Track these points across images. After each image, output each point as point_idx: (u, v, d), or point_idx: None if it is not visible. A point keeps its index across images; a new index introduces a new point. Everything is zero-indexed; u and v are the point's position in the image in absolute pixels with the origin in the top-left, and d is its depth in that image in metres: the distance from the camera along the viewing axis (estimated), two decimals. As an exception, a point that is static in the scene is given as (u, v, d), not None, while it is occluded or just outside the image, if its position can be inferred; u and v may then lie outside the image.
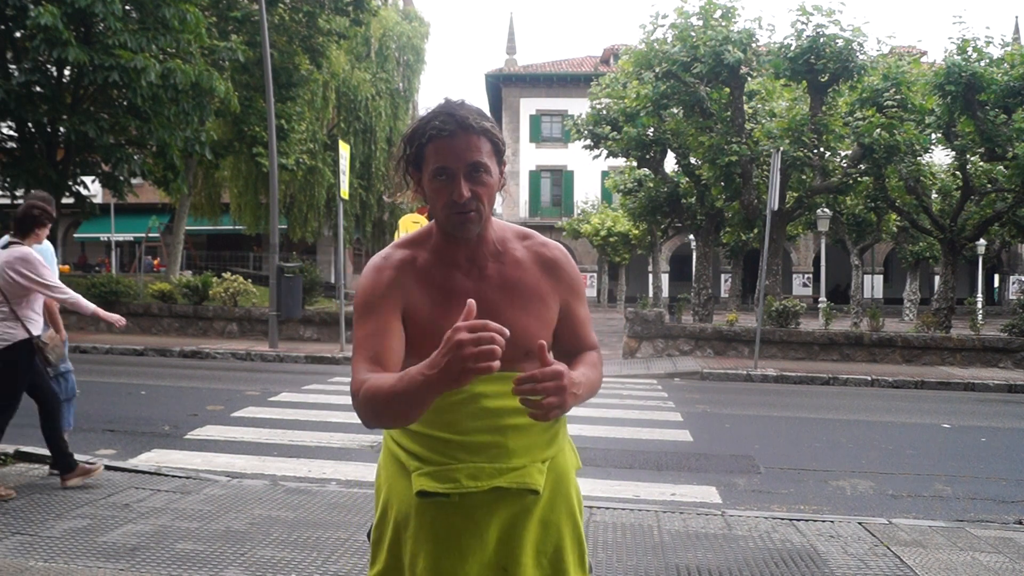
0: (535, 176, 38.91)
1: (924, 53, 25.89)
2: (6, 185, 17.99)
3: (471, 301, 1.35)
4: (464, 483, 1.63)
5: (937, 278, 24.06)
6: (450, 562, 1.66)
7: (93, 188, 20.89)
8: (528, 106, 38.69)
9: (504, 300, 1.68)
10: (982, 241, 25.44)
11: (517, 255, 1.73)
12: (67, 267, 32.22)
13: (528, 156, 38.76)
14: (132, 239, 32.78)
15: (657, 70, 16.03)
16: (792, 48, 15.41)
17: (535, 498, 1.68)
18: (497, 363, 1.31)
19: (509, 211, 37.87)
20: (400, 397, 1.43)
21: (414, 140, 1.64)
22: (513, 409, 1.60)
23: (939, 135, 17.06)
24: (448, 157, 1.59)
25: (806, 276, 37.75)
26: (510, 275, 1.71)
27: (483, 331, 1.29)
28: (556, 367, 1.42)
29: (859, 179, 17.17)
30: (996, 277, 38.62)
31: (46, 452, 5.47)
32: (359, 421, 1.60)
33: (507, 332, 1.32)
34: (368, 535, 1.86)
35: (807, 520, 4.65)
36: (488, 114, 1.68)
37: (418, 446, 1.69)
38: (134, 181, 19.45)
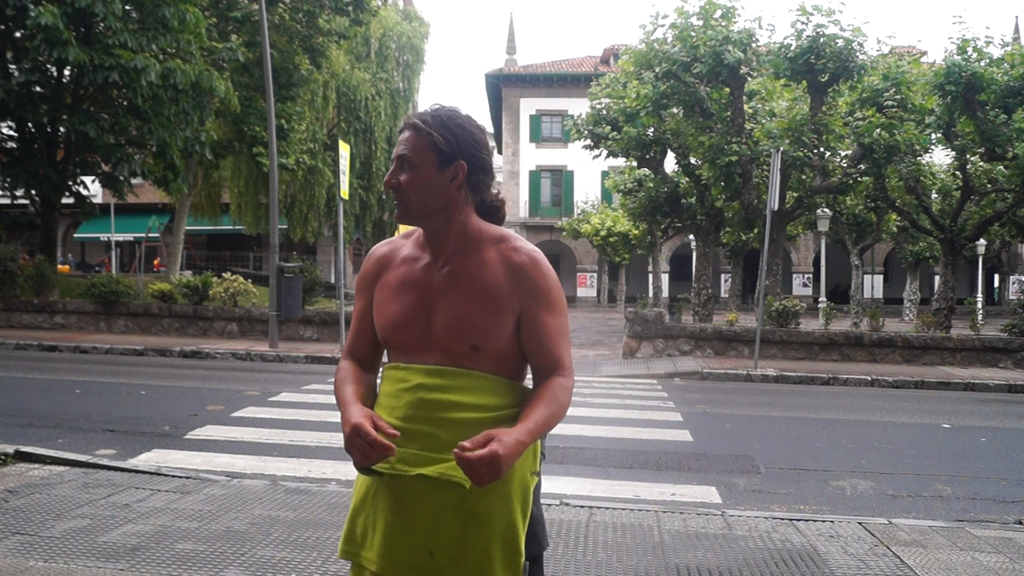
0: (535, 176, 38.91)
1: (924, 53, 25.91)
2: (6, 185, 17.99)
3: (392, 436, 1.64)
4: (395, 465, 1.72)
5: (937, 278, 24.05)
6: (382, 536, 1.77)
7: (93, 188, 20.92)
8: (528, 106, 38.68)
9: (452, 291, 1.77)
10: (982, 241, 25.44)
11: (484, 255, 1.78)
12: (67, 267, 32.25)
13: (528, 156, 38.76)
14: (132, 239, 32.78)
15: (657, 70, 16.02)
16: (792, 48, 15.40)
17: (465, 492, 1.69)
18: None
19: (509, 211, 36.96)
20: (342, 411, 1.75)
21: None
22: (450, 403, 1.72)
23: (939, 135, 17.03)
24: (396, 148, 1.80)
25: (806, 276, 37.76)
26: (468, 270, 1.78)
27: (367, 443, 1.60)
28: (489, 449, 1.54)
29: (859, 179, 17.16)
30: (996, 277, 38.64)
31: (46, 452, 5.48)
32: None
33: (394, 450, 1.61)
34: None
35: (807, 520, 4.64)
36: (461, 119, 1.76)
37: None
38: (134, 181, 19.46)
